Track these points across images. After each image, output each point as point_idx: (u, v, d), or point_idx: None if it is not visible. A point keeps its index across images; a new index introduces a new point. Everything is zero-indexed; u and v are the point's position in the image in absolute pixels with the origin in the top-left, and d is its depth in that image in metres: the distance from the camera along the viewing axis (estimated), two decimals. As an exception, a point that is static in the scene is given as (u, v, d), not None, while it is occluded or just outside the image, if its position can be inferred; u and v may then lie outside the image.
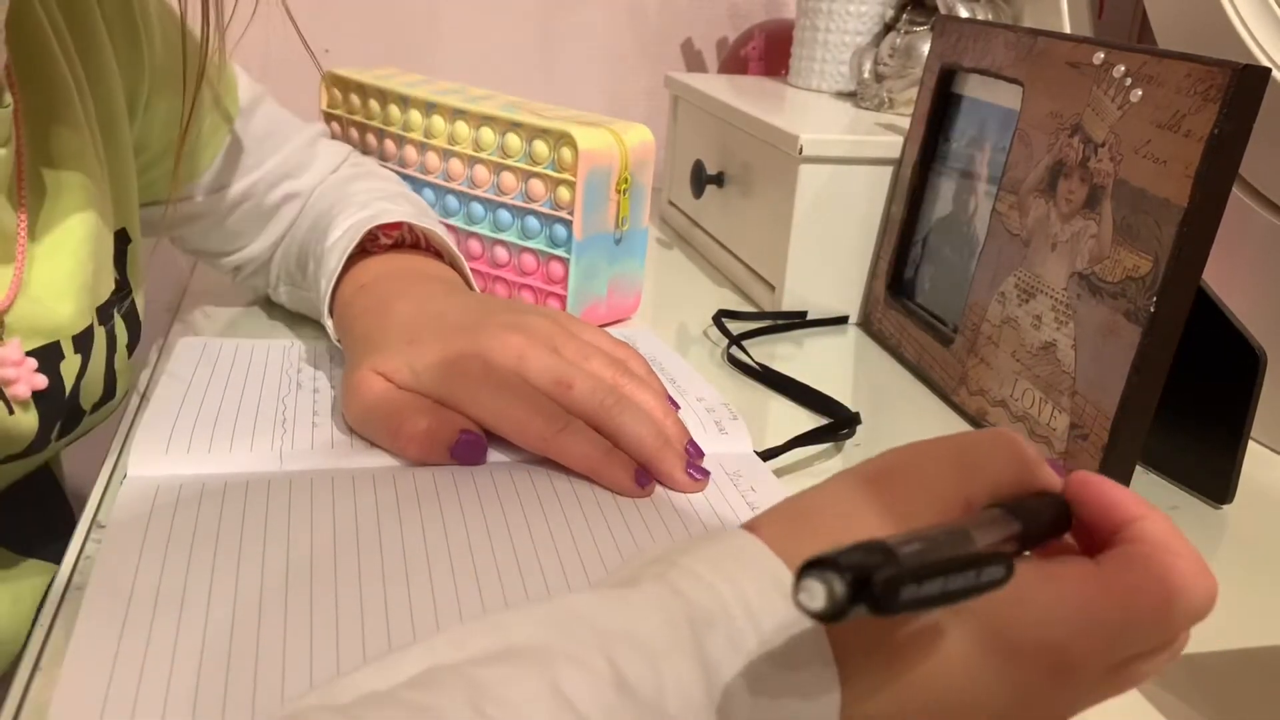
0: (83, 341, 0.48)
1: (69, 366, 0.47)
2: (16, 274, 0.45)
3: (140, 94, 0.56)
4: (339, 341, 0.55)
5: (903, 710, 0.27)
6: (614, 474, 0.46)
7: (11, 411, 0.44)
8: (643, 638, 0.25)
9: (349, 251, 0.55)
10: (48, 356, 0.46)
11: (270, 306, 0.69)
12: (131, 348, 0.52)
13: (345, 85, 0.75)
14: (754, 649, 0.26)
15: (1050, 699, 0.29)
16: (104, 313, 0.50)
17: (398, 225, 0.58)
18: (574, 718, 0.23)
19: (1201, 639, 0.43)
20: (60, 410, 0.47)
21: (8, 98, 0.43)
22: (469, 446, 0.47)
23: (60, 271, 0.47)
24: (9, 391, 0.44)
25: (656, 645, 0.25)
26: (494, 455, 0.48)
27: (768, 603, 0.26)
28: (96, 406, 0.50)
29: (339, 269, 0.55)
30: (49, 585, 0.39)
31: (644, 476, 0.46)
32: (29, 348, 0.45)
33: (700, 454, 0.48)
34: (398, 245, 0.59)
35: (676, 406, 0.52)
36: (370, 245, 0.58)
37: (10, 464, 0.46)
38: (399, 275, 0.55)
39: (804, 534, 0.28)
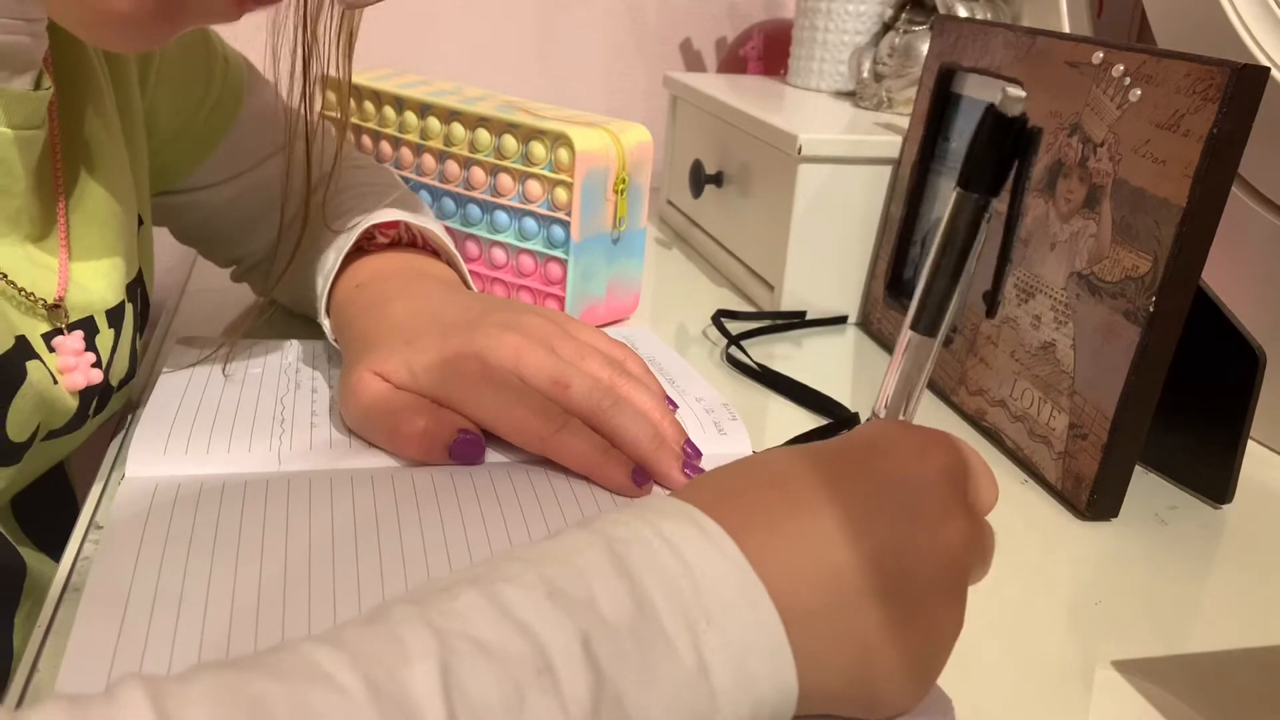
0: (115, 317, 0.49)
1: (103, 341, 0.48)
2: (63, 262, 0.46)
3: (149, 75, 0.56)
4: (335, 341, 0.55)
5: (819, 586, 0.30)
6: (611, 473, 0.46)
7: (56, 381, 0.45)
8: (568, 559, 0.28)
9: (346, 250, 0.55)
10: (85, 330, 0.47)
11: (269, 306, 0.69)
12: (142, 329, 0.54)
13: (340, 86, 0.74)
14: (673, 566, 0.28)
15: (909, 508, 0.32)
16: (131, 290, 0.51)
17: (395, 224, 0.58)
18: (511, 621, 0.26)
19: (1201, 638, 0.43)
20: (97, 385, 0.48)
21: (47, 81, 0.44)
22: (467, 446, 0.47)
23: (95, 249, 0.48)
24: (64, 380, 0.45)
25: (582, 564, 0.28)
26: (492, 455, 0.48)
27: (682, 532, 0.30)
28: (122, 384, 0.51)
29: (336, 268, 0.55)
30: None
31: (641, 475, 0.46)
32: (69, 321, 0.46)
33: (698, 454, 0.48)
34: (395, 244, 0.59)
35: (674, 406, 0.52)
36: (367, 244, 0.57)
37: (52, 442, 0.47)
38: (396, 274, 0.55)
39: (742, 494, 0.32)
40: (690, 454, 0.48)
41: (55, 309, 0.45)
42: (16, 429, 0.43)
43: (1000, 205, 0.58)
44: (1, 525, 0.43)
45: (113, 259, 0.49)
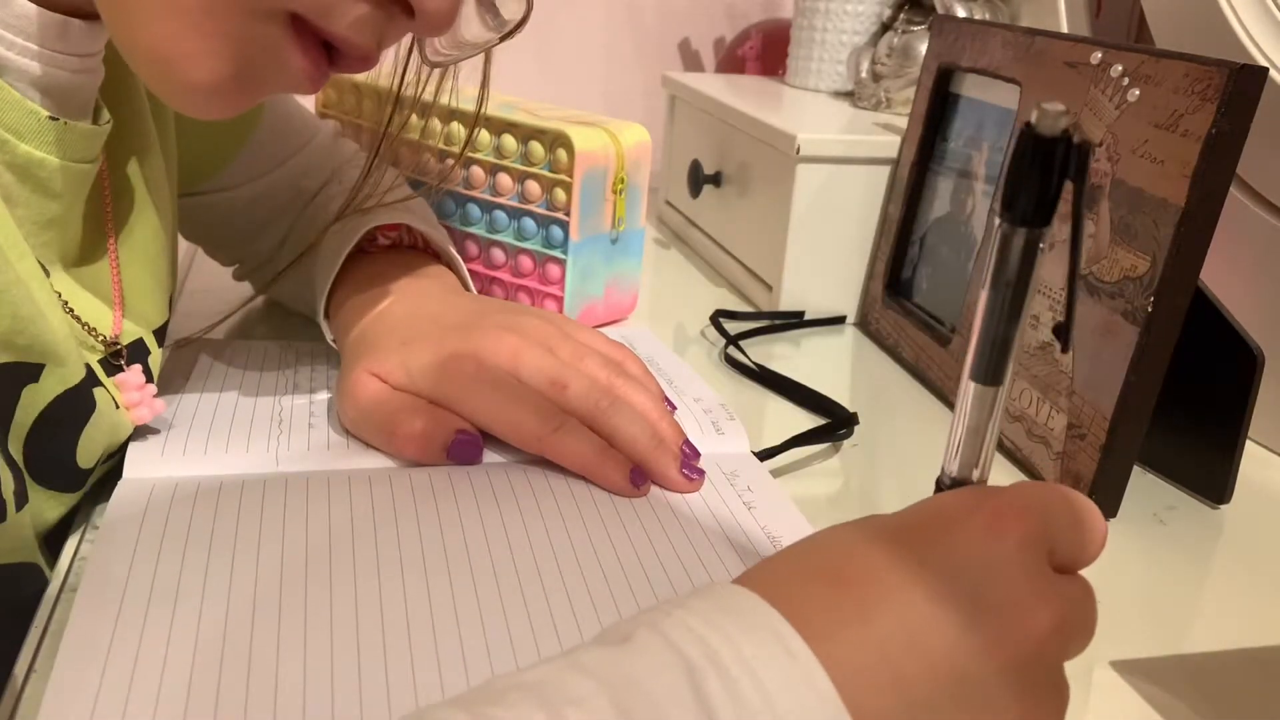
0: (160, 335, 0.50)
1: (154, 361, 0.49)
2: (117, 296, 0.47)
3: None
4: (334, 342, 0.55)
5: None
6: (609, 473, 0.46)
7: (118, 406, 0.46)
8: (641, 682, 0.25)
9: (346, 251, 0.55)
10: (139, 359, 0.47)
11: (268, 307, 0.69)
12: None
13: (340, 85, 0.74)
14: (754, 700, 0.25)
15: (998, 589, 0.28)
16: (171, 304, 0.52)
17: (396, 226, 0.58)
18: None
19: (1200, 638, 0.43)
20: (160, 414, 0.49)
21: (106, 116, 0.44)
22: (465, 446, 0.47)
23: (143, 275, 0.49)
24: (131, 415, 0.46)
25: (657, 692, 0.25)
26: (490, 455, 0.48)
27: (766, 655, 0.26)
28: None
29: (336, 270, 0.55)
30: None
31: (639, 476, 0.46)
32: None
33: (696, 454, 0.48)
34: (396, 246, 0.59)
35: (673, 407, 0.52)
36: (368, 246, 0.57)
37: (107, 464, 0.47)
38: (395, 277, 0.55)
39: (803, 587, 0.29)
40: (689, 454, 0.48)
41: (113, 344, 0.46)
42: (86, 456, 0.43)
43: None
44: (40, 554, 0.43)
45: (158, 279, 0.50)
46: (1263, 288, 0.59)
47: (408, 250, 0.59)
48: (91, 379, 0.44)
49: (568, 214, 0.64)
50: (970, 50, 0.66)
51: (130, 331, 0.47)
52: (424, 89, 0.51)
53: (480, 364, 0.48)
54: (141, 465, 0.46)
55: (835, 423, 0.57)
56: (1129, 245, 0.50)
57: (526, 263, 0.67)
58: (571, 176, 0.64)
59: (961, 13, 0.81)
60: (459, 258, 0.59)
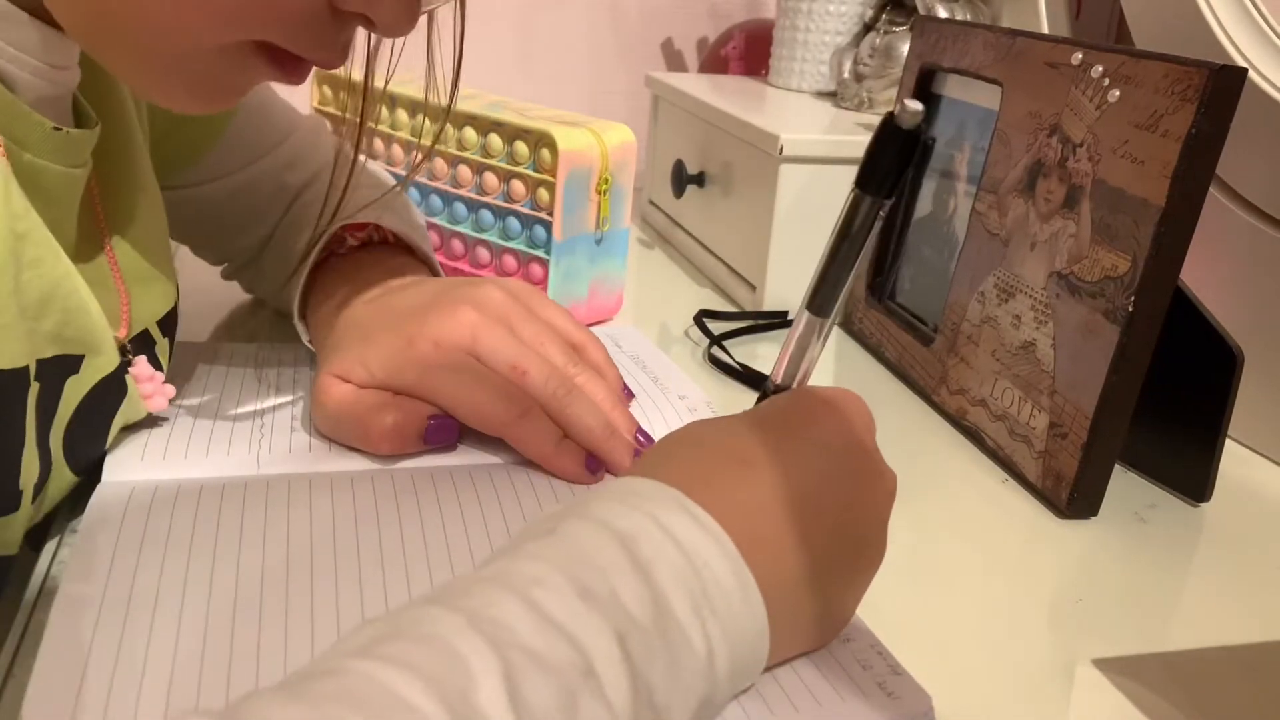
0: (167, 325, 0.50)
1: (161, 350, 0.49)
2: (121, 290, 0.47)
3: None
4: (310, 343, 0.54)
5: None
6: (564, 464, 0.47)
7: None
8: (586, 557, 0.29)
9: (316, 250, 0.55)
10: (141, 345, 0.48)
11: (253, 309, 0.68)
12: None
13: (336, 83, 0.74)
14: (676, 557, 0.30)
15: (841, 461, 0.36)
16: (177, 290, 0.52)
17: (365, 225, 0.57)
18: (553, 627, 0.27)
19: (1181, 636, 0.43)
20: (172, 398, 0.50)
21: (94, 117, 0.44)
22: (440, 430, 0.47)
23: (142, 267, 0.49)
24: (149, 404, 0.47)
25: (601, 562, 0.29)
26: (473, 454, 0.48)
27: (679, 521, 0.31)
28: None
29: (306, 270, 0.55)
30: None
31: (594, 463, 0.47)
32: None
33: (650, 442, 0.49)
34: (367, 244, 0.58)
35: (631, 396, 0.53)
36: (339, 248, 0.57)
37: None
38: (362, 276, 0.54)
39: (682, 466, 0.34)
40: (643, 442, 0.48)
41: (119, 341, 0.46)
42: (111, 437, 0.46)
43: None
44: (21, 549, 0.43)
45: (158, 269, 0.50)
46: (1242, 287, 0.59)
47: (378, 247, 0.58)
48: (124, 365, 0.45)
49: (551, 214, 0.64)
50: (952, 51, 0.67)
51: (135, 324, 0.47)
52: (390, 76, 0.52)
53: (437, 347, 0.47)
54: (121, 468, 0.45)
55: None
56: (1110, 245, 0.50)
57: (511, 262, 0.67)
58: (555, 176, 0.63)
59: (943, 13, 0.81)
60: (431, 252, 0.58)
